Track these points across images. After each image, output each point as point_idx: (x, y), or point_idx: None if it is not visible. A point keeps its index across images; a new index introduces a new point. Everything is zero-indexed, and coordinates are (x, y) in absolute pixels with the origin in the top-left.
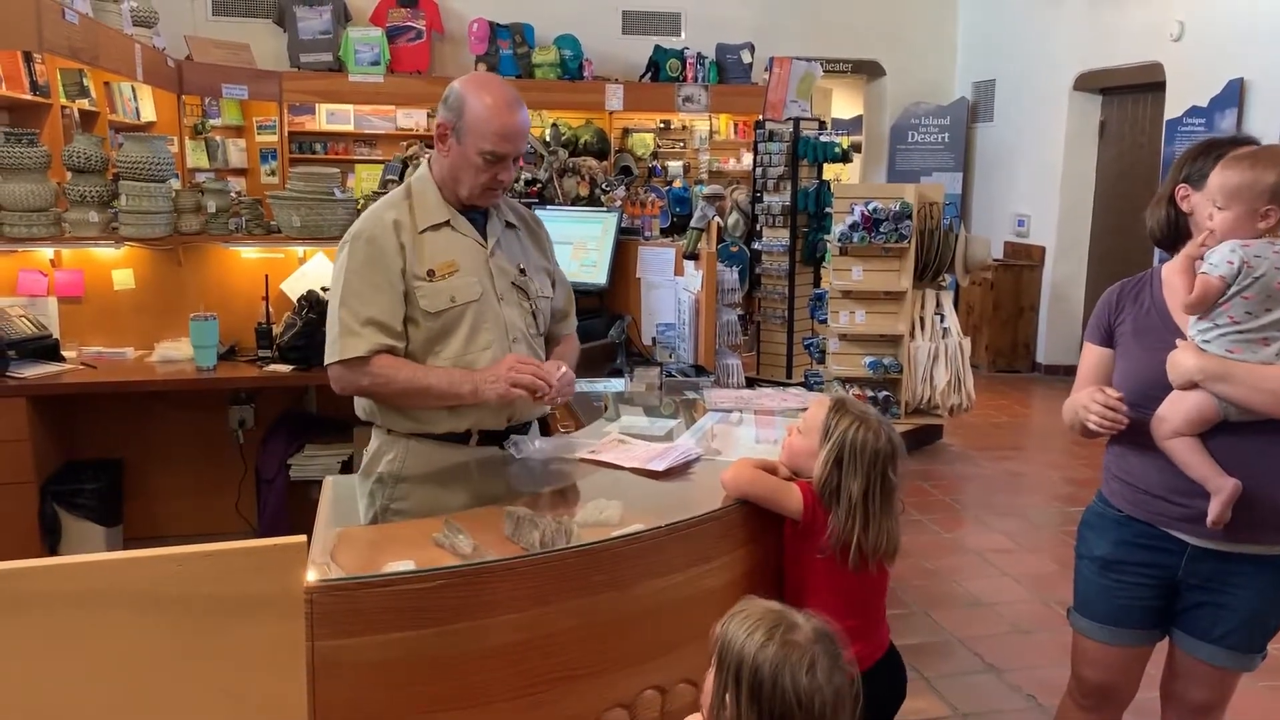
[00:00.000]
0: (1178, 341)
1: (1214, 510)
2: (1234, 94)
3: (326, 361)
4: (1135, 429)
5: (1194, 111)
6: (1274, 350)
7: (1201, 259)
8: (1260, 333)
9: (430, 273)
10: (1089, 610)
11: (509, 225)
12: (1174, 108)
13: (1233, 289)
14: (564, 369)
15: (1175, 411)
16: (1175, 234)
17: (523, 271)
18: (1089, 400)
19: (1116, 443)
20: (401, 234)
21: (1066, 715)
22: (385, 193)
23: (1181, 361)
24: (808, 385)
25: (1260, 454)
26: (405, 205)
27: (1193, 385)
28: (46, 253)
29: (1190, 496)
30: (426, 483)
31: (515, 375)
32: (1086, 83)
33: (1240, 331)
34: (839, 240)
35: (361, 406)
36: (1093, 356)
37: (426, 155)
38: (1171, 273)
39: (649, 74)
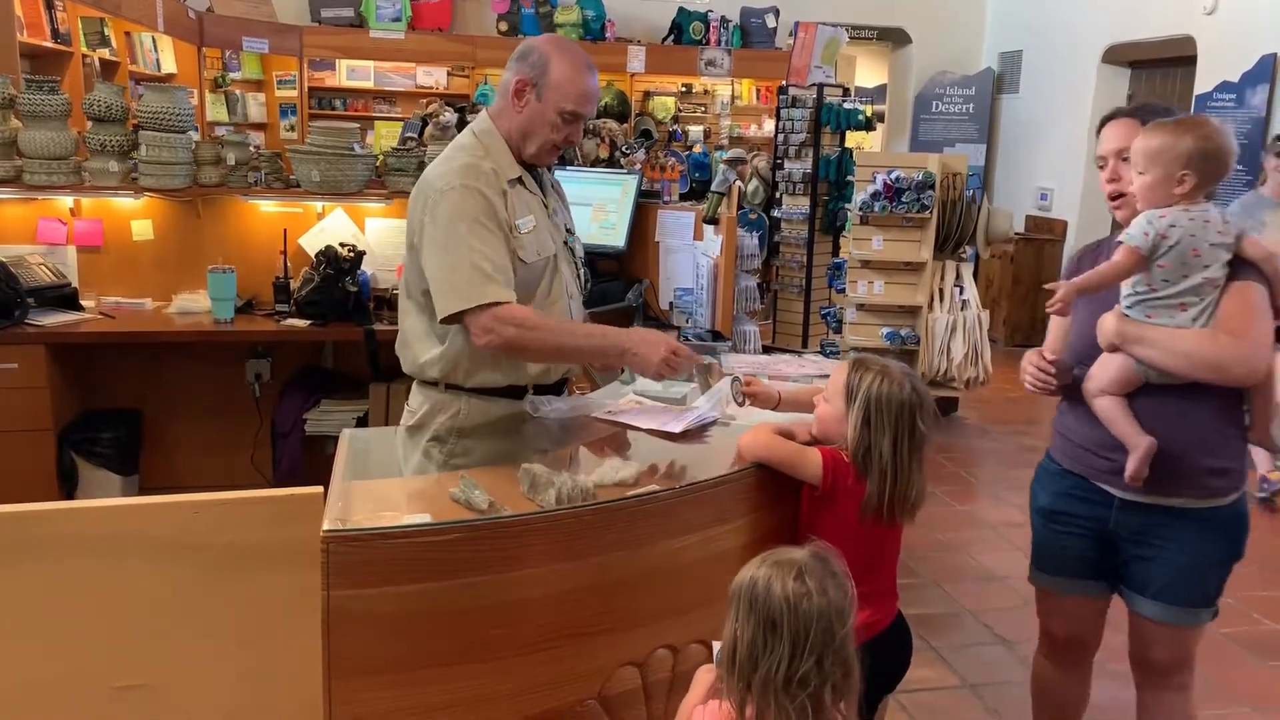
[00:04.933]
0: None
1: (1130, 465)
2: (1266, 69)
3: (463, 307)
4: (1076, 387)
5: (1224, 87)
6: (1190, 315)
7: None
8: (1177, 299)
9: (517, 225)
10: (1041, 563)
11: (552, 186)
12: (1204, 83)
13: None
14: None
15: (1102, 372)
16: None
17: (570, 233)
18: (1026, 362)
19: (1063, 400)
20: (502, 183)
21: (1040, 670)
22: (406, 150)
23: (1105, 325)
24: (824, 354)
25: (1179, 415)
26: (488, 157)
27: (1116, 348)
28: (66, 201)
29: (1115, 451)
30: (489, 435)
31: (676, 362)
32: (1115, 56)
33: (1158, 297)
34: (860, 209)
35: (417, 362)
36: (1057, 317)
37: (448, 111)
38: None
39: (672, 36)
